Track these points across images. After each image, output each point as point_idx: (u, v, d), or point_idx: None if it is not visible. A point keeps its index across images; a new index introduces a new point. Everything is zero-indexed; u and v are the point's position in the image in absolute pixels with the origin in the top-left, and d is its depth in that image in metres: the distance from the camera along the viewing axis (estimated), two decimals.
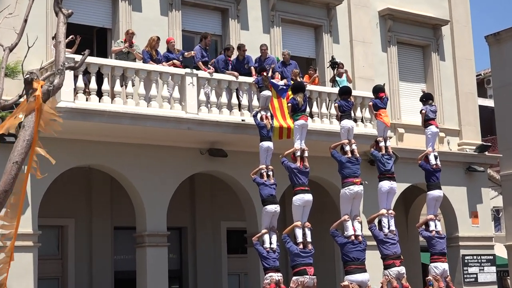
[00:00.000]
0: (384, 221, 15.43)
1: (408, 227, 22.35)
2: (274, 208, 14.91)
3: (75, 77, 14.69)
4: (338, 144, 15.60)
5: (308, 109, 16.77)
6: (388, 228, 15.38)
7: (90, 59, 14.78)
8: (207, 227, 19.40)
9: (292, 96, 15.95)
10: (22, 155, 7.54)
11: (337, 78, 18.50)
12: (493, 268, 21.65)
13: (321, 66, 19.82)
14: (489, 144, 23.26)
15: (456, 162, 21.25)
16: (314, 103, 17.80)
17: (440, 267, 15.85)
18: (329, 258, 19.34)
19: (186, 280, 19.20)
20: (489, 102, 33.97)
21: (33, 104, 7.64)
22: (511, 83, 27.10)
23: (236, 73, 16.72)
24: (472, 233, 21.32)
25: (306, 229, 14.63)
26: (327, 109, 17.96)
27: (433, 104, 17.47)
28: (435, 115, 17.31)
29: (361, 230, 14.94)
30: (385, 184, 15.71)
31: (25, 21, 8.79)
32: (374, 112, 16.60)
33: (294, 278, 14.21)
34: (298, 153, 15.18)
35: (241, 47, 17.26)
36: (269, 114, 16.04)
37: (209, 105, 16.35)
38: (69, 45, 13.91)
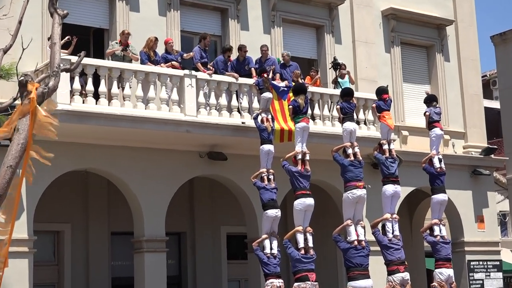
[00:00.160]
0: (388, 226, 15.43)
1: (412, 232, 22.33)
2: (275, 212, 14.91)
3: (71, 79, 14.69)
4: (340, 147, 15.61)
5: (309, 111, 16.77)
6: (392, 233, 15.38)
7: (87, 61, 14.78)
8: (207, 232, 19.39)
9: (293, 98, 15.96)
10: (17, 159, 7.53)
11: (339, 80, 18.49)
12: (500, 274, 21.62)
13: (323, 67, 19.82)
14: (495, 146, 23.26)
15: (461, 165, 21.24)
16: (316, 105, 17.79)
17: (445, 273, 15.85)
18: (332, 264, 19.32)
19: (185, 287, 19.19)
20: (495, 104, 33.94)
21: (27, 106, 7.63)
22: None
23: (236, 75, 16.72)
24: (478, 238, 21.29)
25: (308, 234, 14.62)
26: (329, 111, 17.96)
27: (437, 106, 17.48)
28: (440, 117, 17.32)
29: (364, 235, 14.94)
30: (389, 188, 15.72)
31: (20, 22, 8.78)
32: (378, 114, 16.62)
33: (295, 284, 14.21)
34: (299, 156, 15.19)
35: (241, 48, 17.25)
36: (270, 116, 16.04)
37: (208, 107, 16.35)
38: (65, 46, 13.91)
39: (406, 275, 14.99)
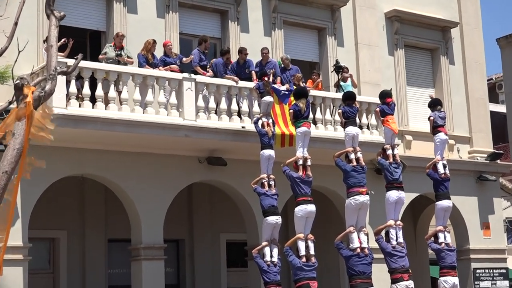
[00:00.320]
0: (392, 232, 15.44)
1: (416, 239, 22.33)
2: (275, 219, 14.91)
3: (68, 82, 14.70)
4: (342, 152, 15.62)
5: (311, 116, 16.79)
6: (396, 240, 15.38)
7: (83, 64, 14.78)
8: (206, 239, 19.38)
9: (294, 102, 15.98)
10: (12, 164, 7.55)
11: (341, 83, 18.52)
12: (506, 282, 21.61)
13: (324, 70, 19.84)
14: (501, 151, 23.29)
15: (467, 170, 21.25)
16: (318, 109, 17.81)
17: (450, 281, 15.85)
18: (334, 271, 19.32)
19: None
20: (501, 108, 33.98)
21: (23, 111, 7.65)
22: None
23: (236, 78, 16.73)
24: (484, 246, 21.29)
25: (309, 242, 14.63)
26: (331, 116, 17.98)
27: (442, 110, 17.50)
28: (444, 122, 17.33)
29: (367, 242, 14.95)
30: (393, 194, 15.73)
31: (16, 24, 8.81)
32: (381, 118, 16.64)
33: None
34: (301, 162, 15.20)
35: (242, 51, 17.27)
36: (270, 120, 16.06)
37: (207, 111, 16.36)
38: (61, 49, 13.90)
39: (410, 284, 14.99)
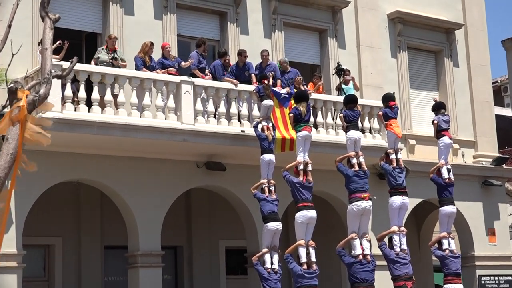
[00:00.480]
0: (396, 239, 15.44)
1: (420, 246, 22.32)
2: (276, 225, 14.91)
3: (63, 86, 14.70)
4: (344, 156, 15.62)
5: (312, 119, 16.80)
6: (400, 246, 15.39)
7: (79, 66, 14.79)
8: (205, 246, 19.37)
9: (294, 105, 15.98)
10: (6, 170, 7.54)
11: (343, 86, 18.52)
12: None
13: (326, 73, 19.85)
14: (507, 156, 23.27)
15: (471, 175, 21.25)
16: (319, 113, 17.81)
17: None
18: (336, 279, 19.31)
19: None
20: (507, 111, 34.02)
21: (17, 115, 7.65)
22: None
23: (235, 81, 16.73)
24: (489, 252, 21.28)
25: (310, 248, 14.62)
26: (333, 119, 17.97)
27: (446, 113, 17.51)
28: (449, 126, 17.35)
29: (370, 249, 14.95)
30: (396, 200, 15.74)
31: (9, 26, 8.81)
32: (385, 122, 16.64)
33: None
34: (301, 167, 15.21)
35: (241, 53, 17.27)
36: (270, 124, 16.06)
37: (206, 115, 16.36)
38: (56, 51, 13.90)
39: None
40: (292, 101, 16.38)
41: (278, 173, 15.26)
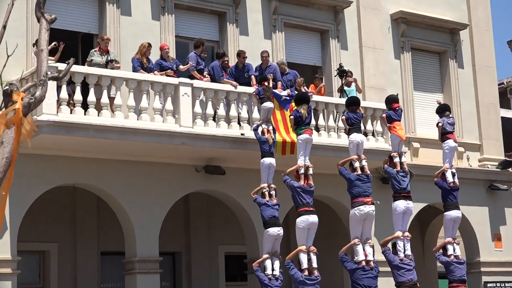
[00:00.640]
0: (400, 244, 15.45)
1: (424, 252, 22.33)
2: (276, 231, 14.92)
3: (58, 88, 14.71)
4: (346, 160, 15.64)
5: (313, 122, 16.82)
6: (404, 252, 15.40)
7: (75, 68, 14.79)
8: (203, 252, 19.38)
9: (295, 107, 16.00)
10: (1, 174, 7.56)
11: (345, 88, 18.54)
12: None
13: (327, 74, 19.88)
14: None
15: (477, 179, 21.26)
16: (321, 115, 17.83)
17: None
18: (338, 285, 19.31)
19: None
20: None
21: (12, 118, 7.66)
22: None
23: (234, 83, 16.75)
24: (495, 258, 21.29)
25: (312, 254, 14.64)
26: (335, 122, 17.99)
27: (450, 116, 17.53)
28: (453, 128, 17.36)
29: (373, 255, 14.96)
30: (400, 204, 15.75)
31: (4, 27, 8.82)
32: (388, 124, 16.66)
33: None
34: (302, 171, 15.22)
35: (240, 54, 17.30)
36: (271, 127, 16.07)
37: (205, 118, 16.38)
38: (51, 53, 13.92)
39: None
40: (293, 103, 16.40)
41: (279, 177, 15.28)
